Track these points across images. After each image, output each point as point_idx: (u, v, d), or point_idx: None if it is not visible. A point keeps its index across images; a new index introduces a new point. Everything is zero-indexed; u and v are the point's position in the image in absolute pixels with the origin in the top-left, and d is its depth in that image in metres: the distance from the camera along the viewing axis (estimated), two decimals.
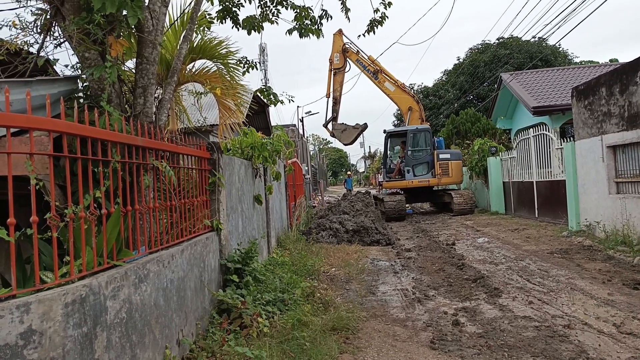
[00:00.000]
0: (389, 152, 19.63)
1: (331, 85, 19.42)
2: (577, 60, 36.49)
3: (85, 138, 2.80)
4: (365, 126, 20.49)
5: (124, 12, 3.95)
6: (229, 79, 6.81)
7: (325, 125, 20.13)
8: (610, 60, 32.18)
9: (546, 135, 13.45)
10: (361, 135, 21.94)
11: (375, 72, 19.31)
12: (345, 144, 20.88)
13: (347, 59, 19.29)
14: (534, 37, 28.83)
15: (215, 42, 6.35)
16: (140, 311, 3.07)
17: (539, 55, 31.02)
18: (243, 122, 7.65)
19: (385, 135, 19.15)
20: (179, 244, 4.05)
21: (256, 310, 4.68)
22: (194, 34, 5.86)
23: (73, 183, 2.70)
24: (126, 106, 4.57)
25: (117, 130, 3.17)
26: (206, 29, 6.36)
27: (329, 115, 19.86)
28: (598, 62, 32.39)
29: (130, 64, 5.35)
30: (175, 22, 5.97)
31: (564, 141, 11.96)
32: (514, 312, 5.27)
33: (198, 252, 4.41)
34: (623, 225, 8.77)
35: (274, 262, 7.48)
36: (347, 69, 19.41)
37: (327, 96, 19.64)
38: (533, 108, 17.86)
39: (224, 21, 6.92)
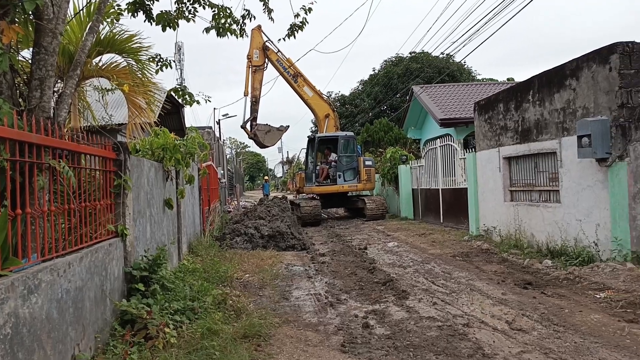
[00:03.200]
0: (309, 157, 19.68)
1: (249, 84, 18.89)
2: (479, 77, 39.54)
3: None
4: (287, 128, 20.37)
5: None
6: (140, 75, 6.48)
7: (244, 126, 19.36)
8: (508, 79, 35.23)
9: (451, 145, 14.38)
10: (280, 140, 21.71)
11: (295, 76, 19.27)
12: (267, 146, 20.43)
13: (268, 57, 18.90)
14: (442, 53, 30.79)
15: (126, 35, 6.02)
16: (29, 326, 2.79)
17: (447, 71, 33.19)
18: (155, 121, 7.31)
19: (314, 140, 18.99)
20: (77, 251, 3.75)
21: (163, 320, 4.45)
22: (102, 26, 5.51)
23: None
24: (20, 99, 4.16)
25: (7, 124, 2.87)
26: (115, 21, 6.00)
27: (248, 115, 19.22)
28: (497, 80, 35.34)
29: (27, 53, 4.90)
30: (81, 11, 5.56)
31: (466, 152, 12.86)
32: (420, 313, 5.54)
33: (100, 260, 4.11)
34: (515, 230, 9.60)
35: (184, 269, 7.20)
36: (266, 67, 19.10)
37: (245, 95, 19.00)
38: (440, 120, 19.04)
39: (135, 14, 6.57)
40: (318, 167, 18.88)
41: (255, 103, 19.09)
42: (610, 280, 6.31)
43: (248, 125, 19.33)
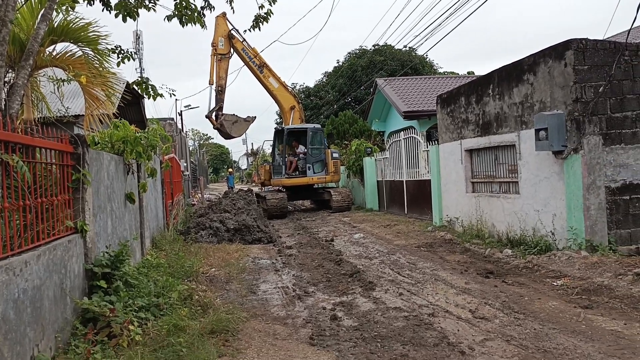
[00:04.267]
0: (276, 150, 19.48)
1: (215, 73, 18.44)
2: (441, 70, 40.25)
3: None
4: (254, 119, 20.07)
5: None
6: (97, 65, 6.24)
7: (209, 116, 18.84)
8: (468, 73, 36.05)
9: (415, 138, 14.61)
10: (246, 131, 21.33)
11: (261, 66, 19.00)
12: (234, 137, 20.03)
13: (233, 46, 18.48)
14: (405, 46, 31.12)
15: (81, 24, 5.77)
16: None
17: (410, 64, 33.58)
18: (114, 113, 7.07)
19: (283, 132, 18.70)
20: (34, 249, 3.59)
21: (127, 318, 4.34)
22: (55, 14, 5.26)
23: None
24: None
25: None
26: (70, 9, 5.74)
27: (213, 104, 18.72)
28: (458, 74, 36.11)
29: None
30: None
31: (429, 144, 13.09)
32: (386, 304, 5.62)
33: (58, 257, 3.96)
34: (477, 220, 9.87)
35: (148, 264, 7.03)
36: (231, 56, 18.73)
37: (211, 84, 18.54)
38: (403, 112, 19.31)
39: (92, 2, 6.31)
40: (286, 159, 18.70)
41: (220, 92, 18.66)
42: (567, 268, 6.59)
43: (214, 115, 18.91)
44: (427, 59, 38.80)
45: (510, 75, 8.70)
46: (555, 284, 6.08)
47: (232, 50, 18.62)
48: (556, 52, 7.53)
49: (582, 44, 7.27)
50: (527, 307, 5.23)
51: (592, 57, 7.27)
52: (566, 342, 4.20)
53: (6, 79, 4.43)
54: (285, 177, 18.36)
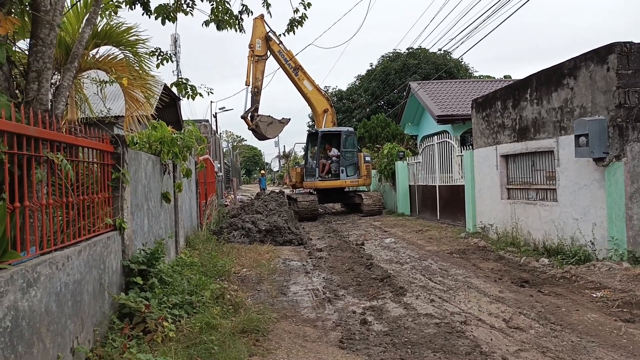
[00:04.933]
0: (309, 152, 19.55)
1: (251, 74, 18.65)
2: (476, 74, 39.53)
3: None
4: (289, 120, 20.22)
5: None
6: (137, 68, 6.43)
7: (245, 117, 19.06)
8: (505, 77, 35.23)
9: (448, 142, 14.38)
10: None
11: (296, 69, 19.15)
12: (268, 138, 20.18)
13: (270, 48, 18.67)
14: (440, 50, 30.70)
15: (123, 28, 5.96)
16: (28, 318, 2.77)
17: (444, 67, 33.15)
18: (152, 115, 7.27)
19: (317, 135, 18.76)
20: (76, 244, 3.73)
21: (161, 314, 4.44)
22: (99, 18, 5.46)
23: None
24: (17, 91, 4.12)
25: (5, 117, 2.83)
26: (113, 13, 5.94)
27: (249, 105, 18.95)
28: (494, 77, 35.35)
29: (24, 44, 4.85)
30: (78, 2, 5.50)
31: (463, 149, 12.86)
32: (417, 310, 5.55)
33: (98, 253, 4.09)
34: (512, 227, 9.63)
35: (182, 262, 7.18)
36: (268, 58, 18.93)
37: (247, 84, 18.74)
38: (437, 116, 19.04)
39: (133, 7, 6.51)
40: (319, 162, 18.69)
41: (256, 94, 18.86)
42: (607, 279, 6.34)
43: (249, 116, 19.10)
44: (462, 63, 38.20)
45: (550, 79, 8.47)
46: (594, 295, 5.86)
47: (268, 52, 18.83)
48: (598, 55, 7.28)
49: (626, 47, 7.01)
50: (564, 319, 5.06)
51: (636, 61, 6.99)
52: (605, 356, 4.05)
53: (52, 81, 4.62)
54: (319, 180, 18.38)
